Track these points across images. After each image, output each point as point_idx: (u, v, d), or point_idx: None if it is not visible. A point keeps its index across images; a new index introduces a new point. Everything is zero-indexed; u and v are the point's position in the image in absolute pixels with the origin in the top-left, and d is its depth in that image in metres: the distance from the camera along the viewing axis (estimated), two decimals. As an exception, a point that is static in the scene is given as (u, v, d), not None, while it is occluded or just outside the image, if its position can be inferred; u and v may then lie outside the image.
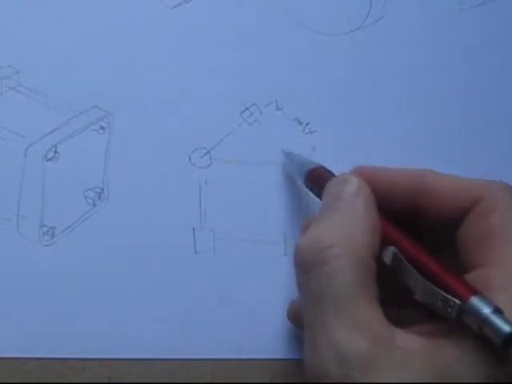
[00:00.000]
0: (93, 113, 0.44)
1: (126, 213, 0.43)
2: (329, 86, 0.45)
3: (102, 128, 0.44)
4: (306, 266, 0.33)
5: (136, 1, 0.45)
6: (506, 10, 0.46)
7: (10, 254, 0.42)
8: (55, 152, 0.43)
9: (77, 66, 0.44)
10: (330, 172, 0.39)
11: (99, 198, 0.43)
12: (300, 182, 0.42)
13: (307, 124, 0.44)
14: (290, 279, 0.43)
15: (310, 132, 0.44)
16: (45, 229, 0.43)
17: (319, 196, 0.38)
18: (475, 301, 0.29)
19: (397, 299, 0.33)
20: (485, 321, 0.28)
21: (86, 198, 0.43)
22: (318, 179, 0.39)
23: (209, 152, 0.44)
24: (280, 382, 0.43)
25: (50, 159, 0.43)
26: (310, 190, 0.40)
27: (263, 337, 0.43)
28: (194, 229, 0.43)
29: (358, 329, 0.30)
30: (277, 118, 0.45)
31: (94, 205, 0.43)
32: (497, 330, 0.28)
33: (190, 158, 0.44)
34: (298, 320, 0.37)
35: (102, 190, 0.43)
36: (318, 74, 0.45)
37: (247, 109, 0.44)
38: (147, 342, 0.42)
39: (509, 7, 0.46)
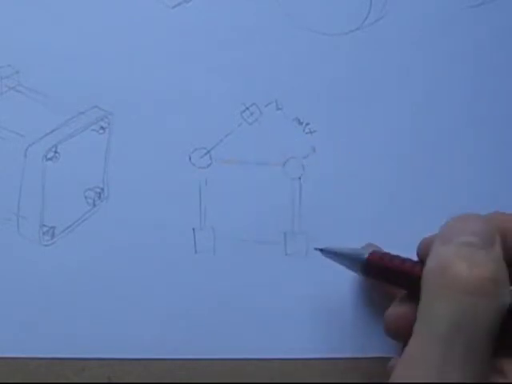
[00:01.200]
0: (93, 113, 0.44)
1: (126, 213, 0.43)
2: (329, 85, 0.45)
3: (102, 128, 0.44)
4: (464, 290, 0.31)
5: (136, 1, 0.45)
6: (506, 9, 0.46)
7: (10, 253, 0.42)
8: (55, 152, 0.43)
9: (77, 66, 0.44)
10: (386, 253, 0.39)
11: (99, 197, 0.43)
12: (358, 272, 0.40)
13: (307, 124, 0.44)
14: (290, 279, 0.43)
15: (310, 132, 0.44)
16: (45, 229, 0.43)
17: (387, 280, 0.38)
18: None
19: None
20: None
21: (86, 197, 0.43)
22: (379, 262, 0.38)
23: (209, 152, 0.43)
24: (280, 381, 0.43)
25: (50, 159, 0.43)
26: (373, 276, 0.39)
27: (263, 336, 0.43)
28: (194, 229, 0.43)
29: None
30: (277, 117, 0.44)
31: (94, 205, 0.43)
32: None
33: (190, 158, 0.43)
34: (399, 332, 0.37)
35: (102, 189, 0.43)
36: (318, 73, 0.45)
37: (247, 109, 0.44)
38: (147, 342, 0.42)
39: (509, 7, 0.46)
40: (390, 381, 0.32)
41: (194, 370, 0.42)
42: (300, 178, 0.44)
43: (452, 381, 0.30)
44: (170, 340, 0.42)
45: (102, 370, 0.42)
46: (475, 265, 0.31)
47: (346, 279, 0.43)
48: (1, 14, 0.44)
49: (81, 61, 0.44)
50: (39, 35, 0.44)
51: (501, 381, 0.32)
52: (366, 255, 0.38)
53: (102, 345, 0.42)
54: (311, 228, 0.44)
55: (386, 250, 0.40)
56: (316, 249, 0.40)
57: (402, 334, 0.36)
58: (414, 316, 0.33)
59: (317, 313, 0.43)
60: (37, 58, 0.44)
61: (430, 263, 0.33)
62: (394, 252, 0.39)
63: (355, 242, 0.43)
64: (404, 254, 0.38)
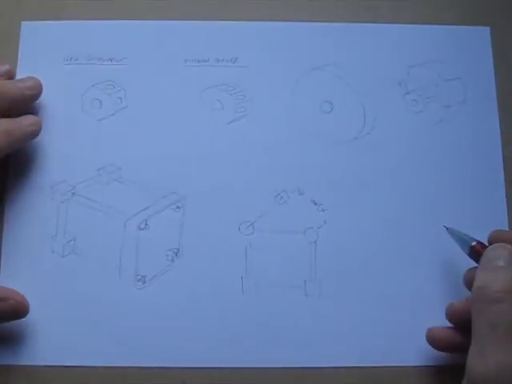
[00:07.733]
0: (171, 197, 0.50)
1: (196, 267, 0.48)
2: (336, 179, 0.50)
3: (178, 207, 0.49)
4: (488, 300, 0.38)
5: (202, 119, 0.51)
6: (459, 127, 0.52)
7: (112, 295, 0.48)
8: (146, 224, 0.49)
9: (161, 164, 0.50)
10: (485, 244, 0.44)
11: (176, 255, 0.49)
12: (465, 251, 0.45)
13: (320, 204, 0.50)
14: (308, 313, 0.48)
15: (323, 210, 0.50)
16: (138, 277, 0.48)
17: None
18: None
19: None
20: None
21: (166, 255, 0.49)
22: (479, 251, 0.43)
23: (252, 224, 0.49)
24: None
25: (142, 229, 0.49)
26: (473, 258, 0.44)
27: (283, 352, 0.48)
28: (242, 277, 0.49)
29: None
30: (299, 200, 0.50)
31: (173, 261, 0.49)
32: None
33: (239, 228, 0.49)
34: (457, 320, 0.43)
35: (178, 250, 0.49)
36: (328, 170, 0.51)
37: (278, 194, 0.50)
38: (207, 355, 0.47)
39: (462, 125, 0.52)
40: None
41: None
42: (315, 242, 0.49)
43: None
44: (222, 353, 0.47)
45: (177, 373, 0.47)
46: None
47: (348, 308, 0.48)
48: (109, 128, 0.51)
49: (164, 161, 0.50)
50: (135, 142, 0.50)
51: None
52: (473, 243, 0.43)
53: (177, 357, 0.47)
54: (323, 277, 0.49)
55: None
56: (444, 226, 0.46)
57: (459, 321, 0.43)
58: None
59: (324, 334, 0.48)
60: (133, 158, 0.50)
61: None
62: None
63: (357, 284, 0.48)
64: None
